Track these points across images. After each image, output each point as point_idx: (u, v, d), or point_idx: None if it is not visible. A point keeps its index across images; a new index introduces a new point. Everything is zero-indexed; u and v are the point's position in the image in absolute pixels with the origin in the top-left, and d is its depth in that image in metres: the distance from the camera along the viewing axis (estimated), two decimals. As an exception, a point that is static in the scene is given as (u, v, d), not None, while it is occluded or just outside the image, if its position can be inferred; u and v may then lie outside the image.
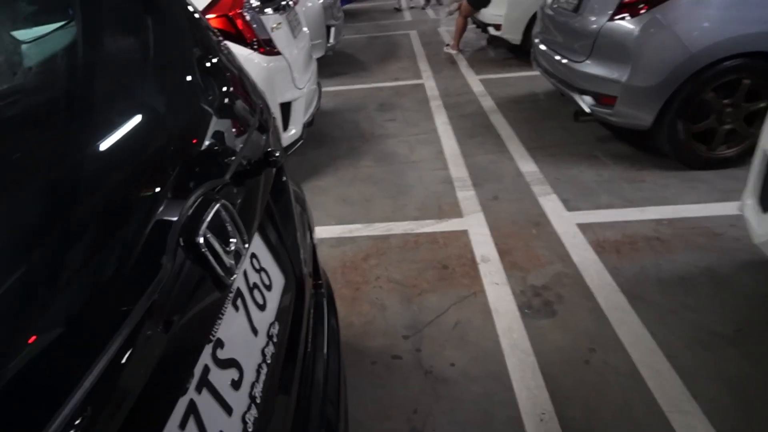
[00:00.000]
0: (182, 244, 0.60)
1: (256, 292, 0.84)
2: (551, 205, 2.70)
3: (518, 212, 2.67)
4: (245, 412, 0.72)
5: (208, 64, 0.96)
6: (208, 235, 0.62)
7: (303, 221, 1.26)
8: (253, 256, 0.84)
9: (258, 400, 0.76)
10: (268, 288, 0.89)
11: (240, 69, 1.11)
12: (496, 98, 4.47)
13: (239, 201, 0.76)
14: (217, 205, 0.65)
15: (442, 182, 3.07)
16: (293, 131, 3.02)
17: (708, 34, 2.57)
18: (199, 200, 0.64)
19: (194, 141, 0.76)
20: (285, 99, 2.96)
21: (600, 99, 2.95)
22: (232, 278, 0.66)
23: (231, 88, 0.98)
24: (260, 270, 0.87)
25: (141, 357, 0.51)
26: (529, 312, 1.97)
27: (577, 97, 3.09)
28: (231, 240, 0.66)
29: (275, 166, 0.79)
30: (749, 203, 1.76)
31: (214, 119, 0.83)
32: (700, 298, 1.94)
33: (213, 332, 0.69)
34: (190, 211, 0.62)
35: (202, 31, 1.00)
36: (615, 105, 2.85)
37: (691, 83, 2.64)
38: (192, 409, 0.60)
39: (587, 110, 3.03)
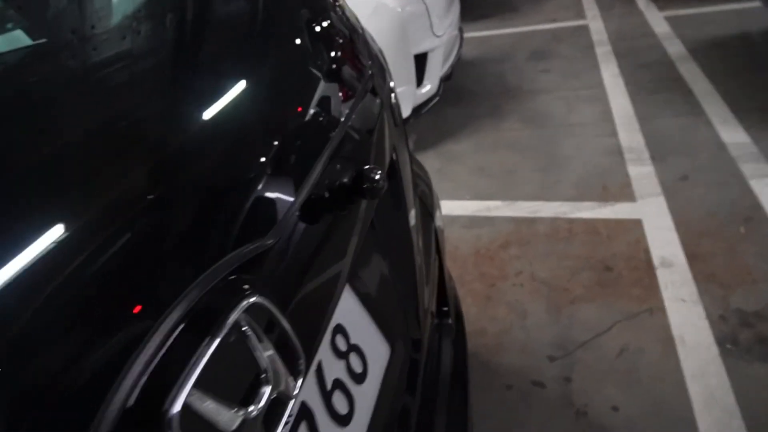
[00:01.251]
0: (132, 410, 0.27)
1: (337, 396, 0.52)
2: (773, 194, 1.98)
3: (719, 201, 2.00)
4: None
5: (316, 28, 0.69)
6: (195, 398, 0.29)
7: (425, 224, 0.93)
8: (338, 329, 0.53)
9: None
10: (360, 378, 0.57)
11: (353, 31, 0.82)
12: (689, 42, 3.49)
13: (304, 258, 0.45)
14: (236, 313, 0.32)
15: (608, 153, 2.47)
16: (428, 87, 2.65)
17: None
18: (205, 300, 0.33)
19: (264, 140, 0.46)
20: (420, 49, 2.58)
21: None
22: None
23: (338, 53, 0.68)
24: (349, 351, 0.55)
25: None
26: (733, 349, 1.43)
27: None
28: (263, 388, 0.34)
29: (373, 197, 0.46)
30: None
31: (296, 111, 0.53)
32: None
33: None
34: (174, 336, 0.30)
35: None
36: None
37: None
38: None
39: None
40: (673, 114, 2.68)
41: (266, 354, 0.34)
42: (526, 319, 1.64)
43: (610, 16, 4.33)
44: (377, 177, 0.46)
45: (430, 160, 2.66)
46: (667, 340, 1.49)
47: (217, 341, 0.30)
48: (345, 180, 0.47)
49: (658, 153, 2.38)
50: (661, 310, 1.60)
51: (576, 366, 1.47)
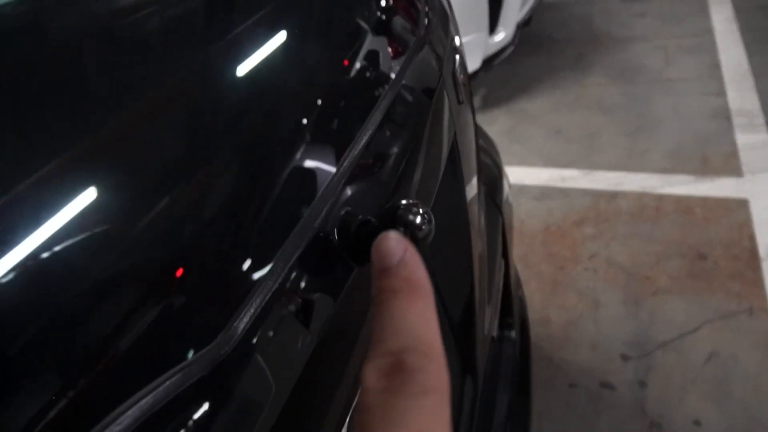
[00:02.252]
0: None
1: None
2: None
3: None
4: None
5: None
6: None
7: (490, 219, 0.78)
8: None
9: None
10: None
11: None
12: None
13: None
14: None
15: (712, 116, 2.12)
16: (502, 35, 2.37)
17: None
18: None
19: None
20: (497, -11, 2.29)
21: None
22: None
23: None
24: None
25: None
26: None
27: None
28: None
29: (420, 239, 0.31)
30: None
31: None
32: None
33: None
34: None
35: None
36: None
37: None
38: None
39: None
40: (801, 69, 2.25)
41: None
42: (598, 310, 1.47)
43: (728, -55, 3.67)
44: (419, 221, 0.30)
45: (499, 120, 2.43)
46: (769, 349, 1.28)
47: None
48: (367, 218, 0.32)
49: (776, 118, 2.02)
50: (765, 311, 1.37)
51: (654, 369, 1.30)
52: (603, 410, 1.23)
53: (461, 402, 0.57)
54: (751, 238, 1.58)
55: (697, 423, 1.18)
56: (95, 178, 0.24)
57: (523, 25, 2.63)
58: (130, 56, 0.33)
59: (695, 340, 1.35)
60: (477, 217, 0.70)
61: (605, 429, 1.20)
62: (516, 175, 2.02)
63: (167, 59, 0.33)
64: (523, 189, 1.94)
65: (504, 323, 0.80)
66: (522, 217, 1.81)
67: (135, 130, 0.27)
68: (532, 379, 0.80)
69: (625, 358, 1.34)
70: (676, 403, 1.22)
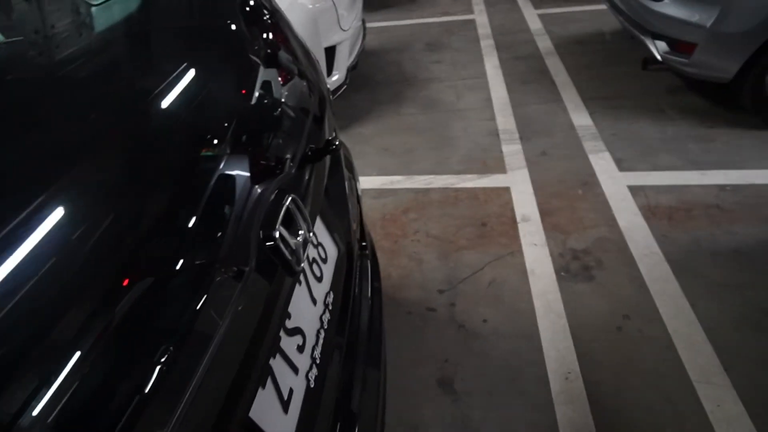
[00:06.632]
0: (261, 237, 0.66)
1: (315, 266, 0.91)
2: (603, 164, 2.63)
3: (566, 170, 2.61)
4: (308, 371, 0.82)
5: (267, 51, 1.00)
6: (281, 229, 0.68)
7: (352, 188, 1.32)
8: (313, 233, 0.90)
9: (318, 360, 0.86)
10: (324, 261, 0.96)
11: (283, 19, 1.14)
12: (556, 38, 4.19)
13: (303, 188, 0.81)
14: (289, 199, 0.71)
15: (488, 134, 3.02)
16: (336, 76, 2.99)
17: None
18: (274, 194, 0.70)
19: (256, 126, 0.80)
20: (330, 42, 2.91)
21: (676, 45, 2.70)
22: (300, 266, 0.72)
23: (275, 39, 1.02)
24: (318, 245, 0.94)
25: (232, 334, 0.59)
26: (565, 275, 2.01)
27: (649, 42, 2.88)
28: (299, 231, 0.72)
29: (335, 153, 0.83)
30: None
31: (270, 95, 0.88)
32: (756, 275, 1.87)
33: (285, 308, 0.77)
34: (268, 205, 0.68)
35: None
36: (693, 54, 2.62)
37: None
38: (268, 371, 0.69)
39: (658, 58, 2.83)
40: (539, 101, 3.31)
41: (299, 217, 0.73)
42: (422, 264, 2.10)
43: (494, 12, 4.96)
44: (337, 142, 0.83)
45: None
46: (522, 273, 2.04)
47: (286, 203, 0.70)
48: (320, 145, 0.84)
49: (525, 134, 2.97)
50: (520, 252, 2.14)
51: (458, 295, 1.96)
52: (430, 323, 1.83)
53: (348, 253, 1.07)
54: (512, 210, 2.39)
55: (485, 320, 1.85)
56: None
57: (352, 69, 3.31)
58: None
59: (482, 275, 2.05)
60: (349, 187, 1.23)
61: (432, 334, 1.80)
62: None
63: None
64: (364, 192, 2.54)
65: (362, 247, 1.32)
66: (366, 211, 2.39)
67: None
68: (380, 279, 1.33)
69: (440, 291, 1.97)
70: (472, 312, 1.88)
